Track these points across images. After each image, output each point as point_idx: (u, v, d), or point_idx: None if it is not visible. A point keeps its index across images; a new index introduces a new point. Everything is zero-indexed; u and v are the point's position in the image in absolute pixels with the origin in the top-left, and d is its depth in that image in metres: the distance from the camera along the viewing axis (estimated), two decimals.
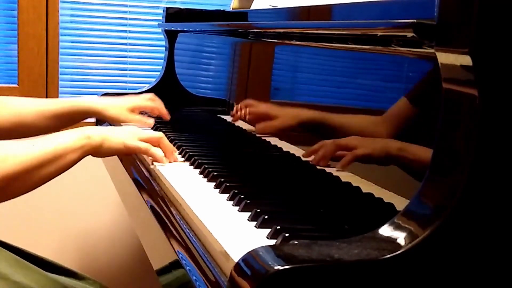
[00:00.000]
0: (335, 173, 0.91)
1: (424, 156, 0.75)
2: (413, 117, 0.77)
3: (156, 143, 1.10)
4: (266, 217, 0.76)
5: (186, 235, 0.82)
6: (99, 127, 1.12)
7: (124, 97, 1.46)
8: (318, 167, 0.96)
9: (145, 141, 1.09)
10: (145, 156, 1.15)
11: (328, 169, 0.93)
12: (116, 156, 1.33)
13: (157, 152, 1.09)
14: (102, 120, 1.48)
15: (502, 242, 0.60)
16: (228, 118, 1.41)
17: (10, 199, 0.97)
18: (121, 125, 1.34)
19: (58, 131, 1.32)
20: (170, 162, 1.11)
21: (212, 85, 1.61)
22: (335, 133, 0.93)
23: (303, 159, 1.00)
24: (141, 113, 1.44)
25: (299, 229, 0.73)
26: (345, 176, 0.88)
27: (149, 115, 1.47)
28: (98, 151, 1.05)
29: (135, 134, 1.09)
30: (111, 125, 1.43)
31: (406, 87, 0.80)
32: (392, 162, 0.83)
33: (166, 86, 1.78)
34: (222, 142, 1.33)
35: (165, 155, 1.11)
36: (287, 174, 1.03)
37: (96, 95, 1.76)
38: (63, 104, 1.38)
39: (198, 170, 1.05)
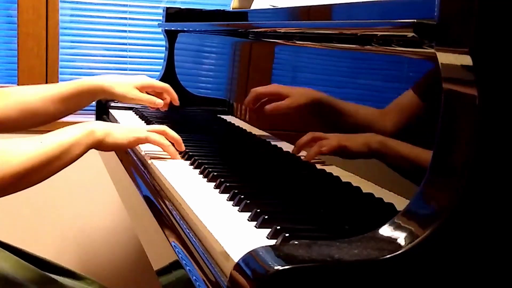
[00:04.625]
0: (335, 173, 0.91)
1: (404, 151, 0.77)
2: (413, 115, 0.77)
3: (161, 134, 1.13)
4: (266, 217, 0.76)
5: (186, 235, 0.82)
6: (103, 122, 1.13)
7: (132, 76, 1.41)
8: (318, 167, 0.96)
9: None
10: (144, 155, 1.16)
11: (328, 169, 0.93)
12: (116, 156, 1.33)
13: (158, 138, 1.11)
14: (109, 98, 1.44)
15: (502, 242, 0.60)
16: (228, 118, 1.41)
17: (18, 191, 0.99)
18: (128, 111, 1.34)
19: (69, 114, 1.35)
20: (180, 150, 1.14)
21: (212, 85, 1.61)
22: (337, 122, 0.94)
23: (298, 156, 1.00)
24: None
25: (299, 229, 0.73)
26: (345, 176, 0.88)
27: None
28: (101, 145, 1.07)
29: (138, 128, 1.12)
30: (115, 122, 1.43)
31: (406, 87, 0.80)
32: (371, 157, 0.84)
33: None
34: (222, 142, 1.33)
35: (175, 146, 1.14)
36: (287, 174, 1.03)
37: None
38: (69, 86, 1.34)
39: (198, 170, 1.05)
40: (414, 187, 0.62)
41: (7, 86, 2.04)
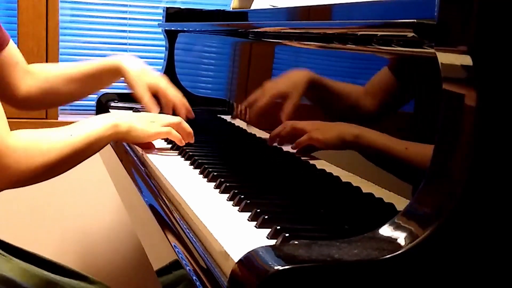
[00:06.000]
0: (335, 173, 0.91)
1: (381, 142, 0.78)
2: (413, 114, 0.77)
3: (176, 127, 1.17)
4: (266, 217, 0.76)
5: (186, 235, 0.82)
6: (126, 114, 1.16)
7: (154, 72, 1.40)
8: (318, 167, 0.96)
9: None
10: (144, 155, 1.16)
11: (328, 169, 0.93)
12: (116, 156, 1.33)
13: (177, 135, 1.16)
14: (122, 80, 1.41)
15: (502, 242, 0.60)
16: (228, 118, 1.41)
17: (47, 179, 1.02)
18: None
19: (90, 94, 1.42)
20: (190, 142, 1.18)
21: (212, 85, 1.61)
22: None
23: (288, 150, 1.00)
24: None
25: (299, 229, 0.73)
26: (345, 176, 0.88)
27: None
28: (123, 139, 1.13)
29: (157, 121, 1.15)
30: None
31: (406, 87, 0.80)
32: (349, 148, 0.88)
33: None
34: (222, 142, 1.33)
35: (183, 138, 1.17)
36: (287, 174, 1.03)
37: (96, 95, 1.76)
38: (91, 65, 1.37)
39: (198, 170, 1.05)
40: (414, 187, 0.62)
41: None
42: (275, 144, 1.10)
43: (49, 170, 0.99)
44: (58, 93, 1.37)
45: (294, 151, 1.04)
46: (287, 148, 1.07)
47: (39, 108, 1.42)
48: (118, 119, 1.09)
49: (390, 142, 0.79)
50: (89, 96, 2.11)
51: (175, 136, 1.16)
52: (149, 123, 1.13)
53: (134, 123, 1.11)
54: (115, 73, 1.38)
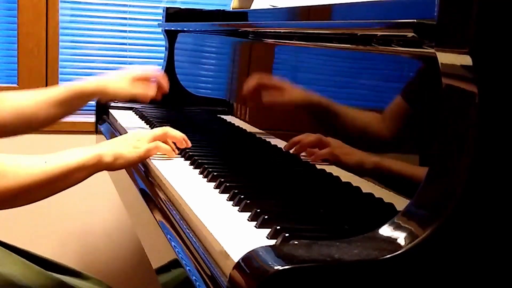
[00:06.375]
0: (335, 173, 0.91)
1: (400, 169, 0.76)
2: (410, 116, 0.77)
3: (163, 139, 1.13)
4: (266, 217, 0.76)
5: (186, 235, 0.82)
6: (109, 143, 1.10)
7: (125, 71, 1.43)
8: (318, 167, 0.96)
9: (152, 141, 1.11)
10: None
11: (328, 169, 0.93)
12: None
13: (166, 147, 1.12)
14: (104, 99, 1.44)
15: (502, 242, 0.60)
16: (228, 118, 1.41)
17: (17, 206, 0.99)
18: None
19: (65, 117, 1.37)
20: (187, 146, 1.16)
21: (212, 85, 1.61)
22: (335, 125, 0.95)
23: (295, 154, 1.00)
24: None
25: (299, 229, 0.73)
26: (345, 176, 0.88)
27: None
28: (112, 168, 1.06)
29: (142, 138, 1.10)
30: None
31: (406, 87, 0.80)
32: (367, 175, 0.84)
33: None
34: (222, 142, 1.33)
35: (178, 145, 1.15)
36: (287, 174, 1.03)
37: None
38: (64, 89, 1.35)
39: (198, 170, 1.05)
40: (414, 187, 0.62)
41: (7, 87, 2.04)
42: (293, 150, 1.07)
43: (15, 196, 0.95)
44: (32, 118, 1.32)
45: (298, 154, 1.04)
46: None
47: (13, 134, 1.35)
48: (102, 150, 1.03)
49: (411, 169, 0.77)
50: None
51: (165, 148, 1.11)
52: (135, 144, 1.08)
53: (119, 150, 1.05)
54: (89, 95, 1.38)
